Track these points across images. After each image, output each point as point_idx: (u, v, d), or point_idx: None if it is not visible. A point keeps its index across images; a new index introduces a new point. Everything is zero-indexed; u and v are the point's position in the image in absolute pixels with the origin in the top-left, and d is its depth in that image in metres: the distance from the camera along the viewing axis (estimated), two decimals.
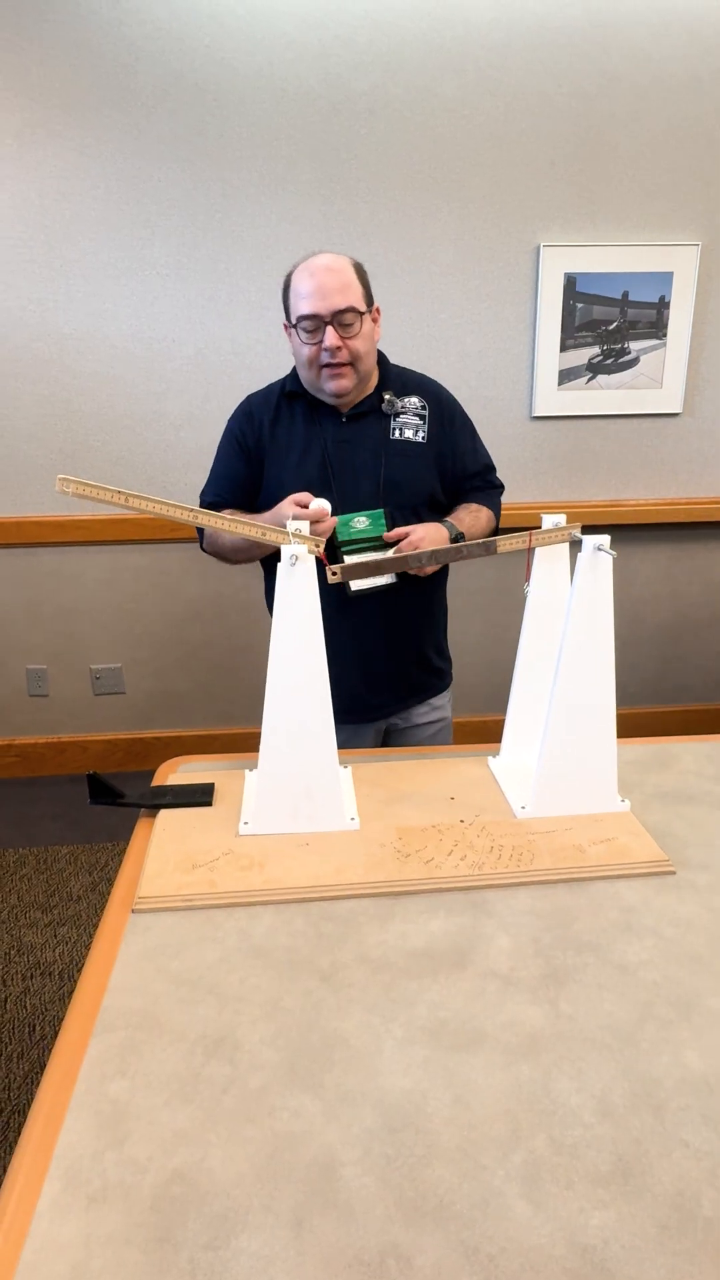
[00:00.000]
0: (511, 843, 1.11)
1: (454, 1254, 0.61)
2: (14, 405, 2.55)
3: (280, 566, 1.07)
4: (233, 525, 1.11)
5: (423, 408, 1.56)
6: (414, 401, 1.55)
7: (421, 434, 1.54)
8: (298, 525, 1.13)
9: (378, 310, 1.51)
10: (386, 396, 1.53)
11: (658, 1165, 0.68)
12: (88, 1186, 0.66)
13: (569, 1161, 0.68)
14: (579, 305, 2.56)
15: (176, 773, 1.33)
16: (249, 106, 2.33)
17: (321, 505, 1.33)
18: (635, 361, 2.64)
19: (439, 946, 0.93)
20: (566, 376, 2.63)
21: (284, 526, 1.12)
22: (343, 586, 1.48)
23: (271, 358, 2.53)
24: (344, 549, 1.45)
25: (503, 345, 2.60)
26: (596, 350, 2.61)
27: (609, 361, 2.63)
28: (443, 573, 1.66)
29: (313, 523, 1.31)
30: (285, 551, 1.07)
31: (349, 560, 1.44)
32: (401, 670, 1.63)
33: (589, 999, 0.85)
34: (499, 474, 1.69)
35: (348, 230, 2.44)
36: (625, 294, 2.56)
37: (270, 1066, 0.77)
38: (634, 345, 2.62)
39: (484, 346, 2.59)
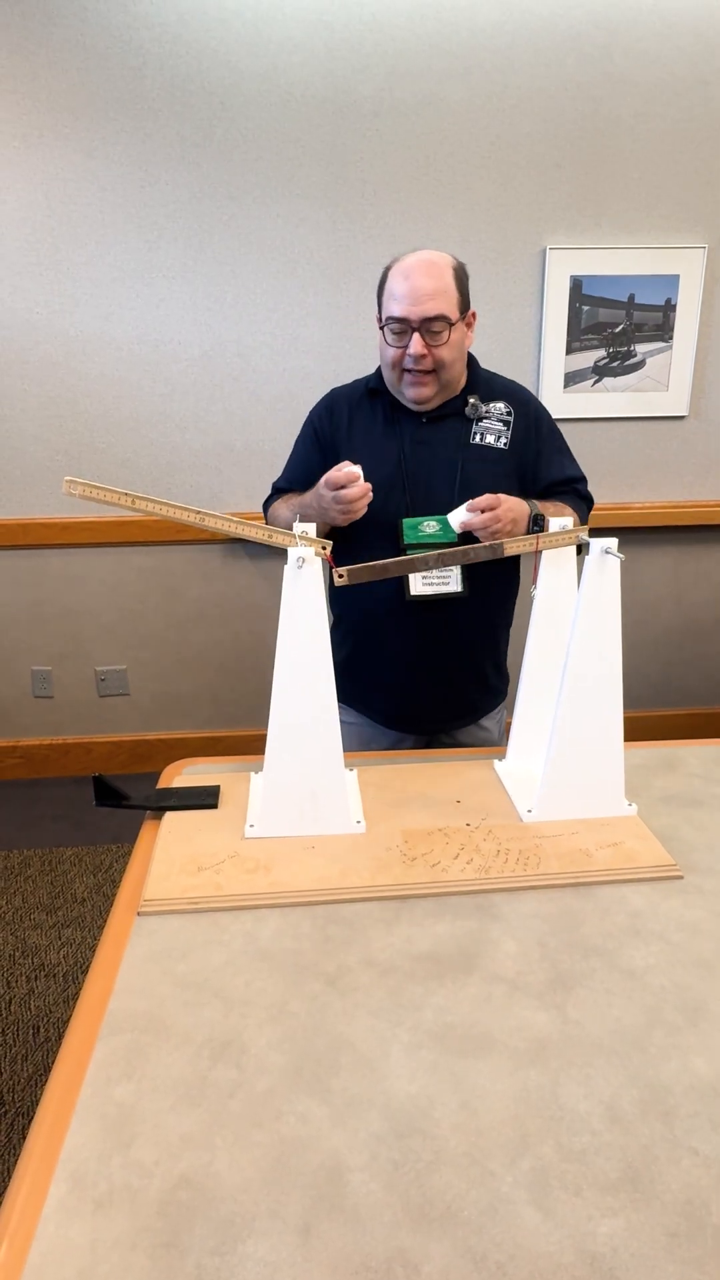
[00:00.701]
0: (518, 846, 1.10)
1: (461, 1261, 0.61)
2: (21, 407, 2.55)
3: (286, 569, 1.07)
4: (238, 527, 1.10)
5: (508, 414, 1.50)
6: (499, 407, 1.50)
7: (504, 440, 1.49)
8: (304, 528, 1.13)
9: (473, 315, 1.45)
10: (471, 400, 1.48)
11: (667, 1172, 0.67)
12: (94, 1190, 0.66)
13: (577, 1168, 0.68)
14: (585, 308, 2.56)
15: (181, 775, 1.33)
16: (255, 110, 2.34)
17: (352, 470, 1.29)
18: (641, 364, 2.63)
19: (445, 950, 0.92)
20: (572, 379, 2.63)
21: (291, 529, 1.12)
22: (402, 591, 1.45)
23: (277, 360, 2.53)
24: (410, 554, 1.41)
25: (508, 348, 2.59)
26: (603, 353, 2.61)
27: (615, 364, 2.63)
28: (513, 584, 1.60)
29: (343, 487, 1.28)
30: (291, 554, 1.07)
31: None
32: (459, 689, 1.57)
33: (596, 1004, 0.85)
34: None
35: (353, 233, 2.44)
36: (631, 297, 2.56)
37: (277, 1070, 0.77)
38: (640, 348, 2.62)
39: (490, 349, 2.57)
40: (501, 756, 1.34)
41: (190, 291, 2.47)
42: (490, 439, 1.49)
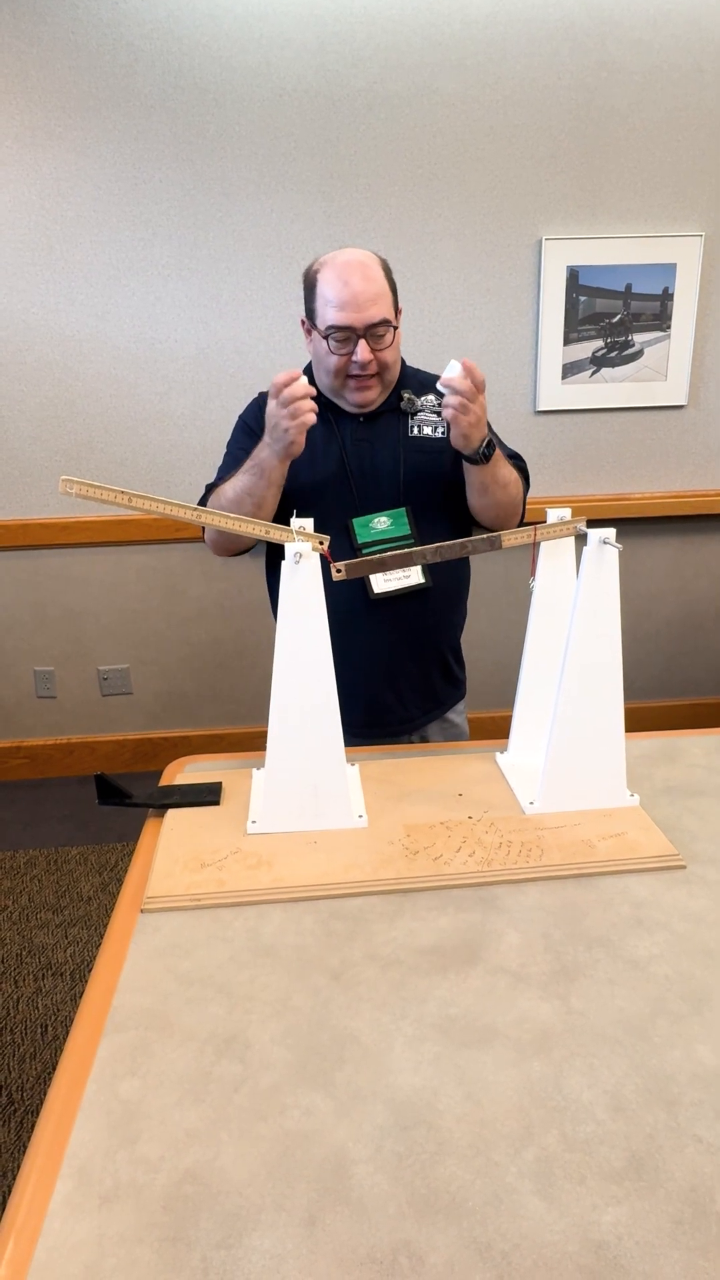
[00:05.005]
0: (520, 838, 1.10)
1: (466, 1251, 0.61)
2: (18, 408, 2.55)
3: (284, 565, 1.07)
4: (237, 523, 1.10)
5: (440, 405, 1.50)
6: (431, 399, 1.50)
7: (440, 430, 1.49)
8: (302, 523, 1.13)
9: (400, 311, 1.45)
10: (405, 395, 1.48)
11: (671, 1161, 0.68)
12: (100, 1186, 0.66)
13: (581, 1158, 0.68)
14: (582, 298, 2.55)
15: (184, 772, 1.33)
16: (248, 105, 2.33)
17: (292, 370, 1.25)
18: (639, 354, 2.63)
19: (448, 943, 0.92)
20: (570, 370, 2.62)
21: (288, 525, 1.12)
22: (365, 591, 1.45)
23: (274, 356, 2.53)
24: (365, 552, 1.40)
25: (506, 339, 2.59)
26: (600, 343, 2.60)
27: (613, 354, 2.62)
28: (467, 565, 1.60)
29: (291, 394, 1.23)
30: (289, 550, 1.07)
31: None
32: (427, 681, 1.58)
33: (600, 994, 0.85)
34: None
35: (348, 226, 2.43)
36: (628, 286, 2.55)
37: (281, 1065, 0.77)
38: (638, 338, 2.61)
39: (487, 341, 2.58)
40: (503, 749, 1.34)
41: (186, 289, 2.47)
42: (428, 430, 1.49)
